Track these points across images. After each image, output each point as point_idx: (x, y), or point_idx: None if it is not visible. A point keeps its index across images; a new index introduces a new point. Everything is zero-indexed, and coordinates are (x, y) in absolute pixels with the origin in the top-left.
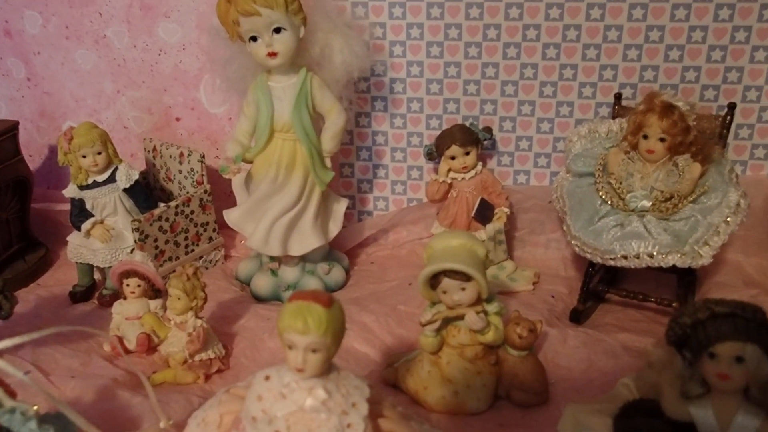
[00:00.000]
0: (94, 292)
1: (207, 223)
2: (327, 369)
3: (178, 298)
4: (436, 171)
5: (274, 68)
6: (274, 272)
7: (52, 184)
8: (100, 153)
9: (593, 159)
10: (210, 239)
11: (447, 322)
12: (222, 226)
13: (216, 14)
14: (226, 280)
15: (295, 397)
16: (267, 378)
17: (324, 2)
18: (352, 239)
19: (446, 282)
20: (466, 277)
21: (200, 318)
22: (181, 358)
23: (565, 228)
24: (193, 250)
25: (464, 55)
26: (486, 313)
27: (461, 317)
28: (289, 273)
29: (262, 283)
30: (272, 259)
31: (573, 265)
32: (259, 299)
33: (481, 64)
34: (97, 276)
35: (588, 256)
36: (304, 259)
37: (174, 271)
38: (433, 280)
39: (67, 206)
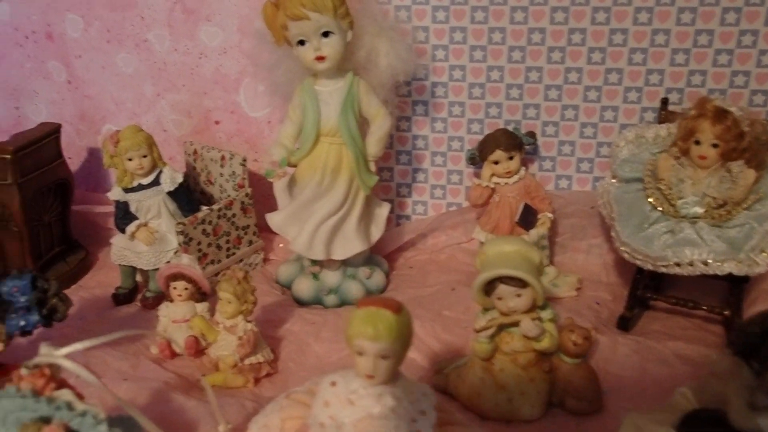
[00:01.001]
0: (136, 294)
1: (248, 226)
2: (394, 376)
3: (229, 302)
4: (476, 176)
5: (320, 72)
6: (315, 276)
7: (90, 187)
8: (145, 156)
9: (641, 164)
10: (250, 242)
11: (500, 328)
12: (261, 229)
13: (262, 18)
14: (267, 283)
15: (363, 403)
16: (333, 384)
17: (370, 6)
18: (391, 243)
19: (502, 288)
20: (522, 284)
21: (250, 322)
22: (232, 362)
23: (613, 234)
24: (234, 253)
25: (508, 59)
26: (540, 319)
27: (516, 324)
28: (331, 277)
29: (304, 287)
30: (314, 262)
31: (615, 271)
32: (300, 303)
33: (525, 68)
34: (138, 278)
35: (638, 262)
36: (345, 263)
37: (216, 275)
38: (488, 287)
39: (106, 209)
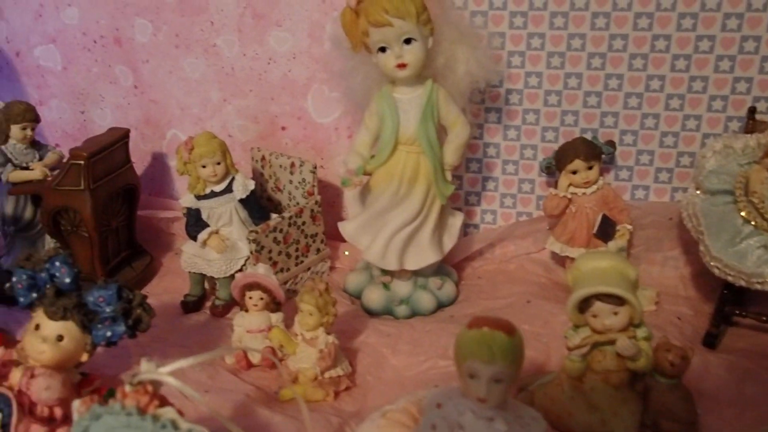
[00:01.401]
0: (204, 301)
1: (316, 234)
2: (505, 399)
3: (310, 314)
4: (549, 185)
5: (399, 80)
6: (386, 286)
7: (153, 192)
8: (219, 163)
9: (729, 176)
10: (318, 250)
11: (593, 346)
12: (326, 236)
13: (340, 24)
14: (336, 292)
15: (474, 427)
16: (439, 406)
17: (450, 12)
18: (459, 253)
19: (598, 306)
20: (619, 301)
21: (330, 334)
22: (312, 375)
23: (702, 248)
24: (302, 261)
25: (587, 66)
26: (635, 338)
27: (610, 342)
28: (402, 287)
29: (375, 297)
30: (384, 272)
31: (693, 285)
32: (370, 313)
33: (604, 75)
34: (205, 285)
35: (730, 279)
36: (416, 273)
37: (285, 283)
38: (582, 303)
39: (169, 214)
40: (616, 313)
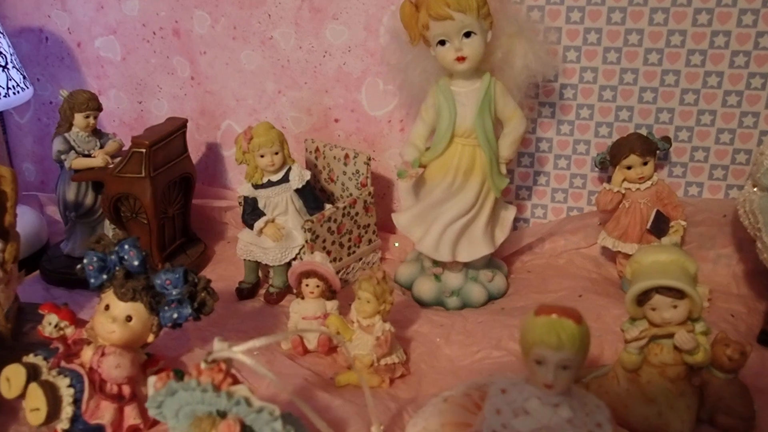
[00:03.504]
0: (258, 288)
1: (368, 225)
2: (570, 386)
3: (368, 301)
4: (601, 180)
5: (457, 73)
6: (437, 277)
7: (206, 181)
8: (277, 153)
9: None
10: (369, 241)
11: (649, 339)
12: (377, 228)
13: (399, 17)
14: None
15: (539, 413)
16: (503, 391)
17: (509, 6)
18: (509, 246)
19: (657, 299)
20: (679, 295)
21: (386, 322)
22: (369, 362)
23: (759, 246)
24: (354, 252)
25: (643, 62)
26: (693, 332)
27: (668, 336)
28: (453, 279)
29: (426, 288)
30: (436, 264)
31: (746, 283)
32: (421, 304)
33: (661, 71)
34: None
35: None
36: (467, 265)
37: (337, 272)
38: (641, 296)
39: (222, 203)
40: (675, 307)
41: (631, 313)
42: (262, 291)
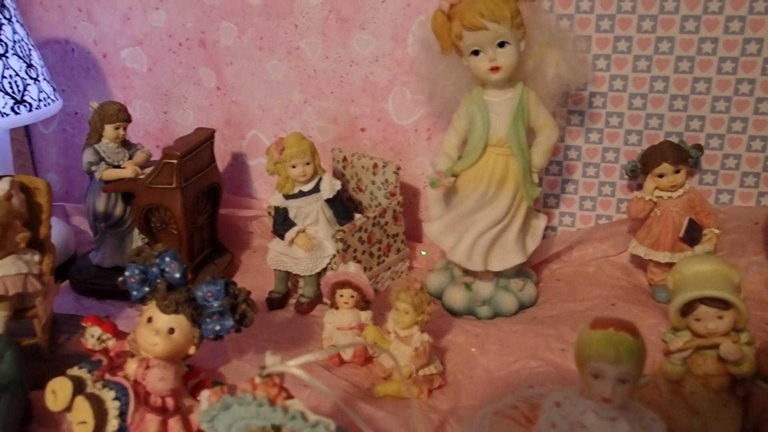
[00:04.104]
0: (288, 298)
1: (397, 234)
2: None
3: (406, 312)
4: (630, 188)
5: (492, 83)
6: (468, 286)
7: (231, 191)
8: (308, 163)
9: None
10: (398, 250)
11: (694, 350)
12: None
13: (431, 27)
14: None
15: (596, 427)
16: (558, 405)
17: (541, 15)
18: (538, 255)
19: (702, 309)
20: (724, 305)
21: (423, 332)
22: (407, 372)
23: None
24: (383, 261)
25: (674, 70)
26: (738, 342)
27: (713, 346)
28: (484, 288)
29: (457, 297)
30: (466, 273)
31: None
32: (452, 313)
33: (692, 78)
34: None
35: None
36: (498, 274)
37: (369, 280)
38: (685, 306)
39: (248, 212)
40: (720, 317)
41: (675, 324)
42: (292, 301)
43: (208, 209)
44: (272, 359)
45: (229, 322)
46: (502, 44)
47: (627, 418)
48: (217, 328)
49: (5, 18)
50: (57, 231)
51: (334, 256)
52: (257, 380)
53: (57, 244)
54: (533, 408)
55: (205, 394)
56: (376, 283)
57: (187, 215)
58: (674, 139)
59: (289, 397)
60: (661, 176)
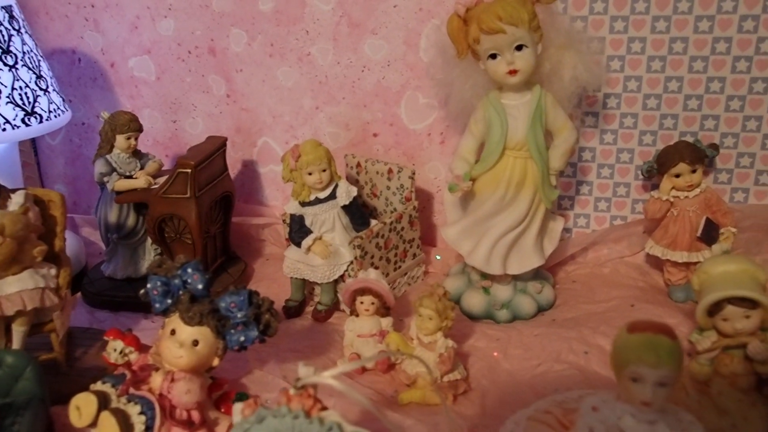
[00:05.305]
0: (305, 306)
1: (413, 239)
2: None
3: (430, 318)
4: (645, 189)
5: (509, 86)
6: (486, 290)
7: (242, 199)
8: (324, 170)
9: None
10: (414, 255)
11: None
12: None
13: (446, 31)
14: None
15: (635, 431)
16: (595, 409)
17: (558, 17)
18: (554, 257)
19: (730, 309)
20: (751, 305)
21: (447, 338)
22: (432, 379)
23: None
24: (400, 266)
25: (688, 70)
26: (766, 341)
27: (740, 346)
28: (502, 291)
29: (475, 301)
30: (484, 276)
31: None
32: (471, 317)
33: (706, 78)
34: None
35: None
36: (516, 277)
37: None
38: (712, 307)
39: (260, 220)
40: (747, 317)
41: (702, 324)
42: (309, 308)
43: (221, 218)
44: (305, 370)
45: (254, 333)
46: (519, 47)
47: (666, 421)
48: (242, 339)
49: (14, 29)
50: (68, 243)
51: (351, 263)
52: (292, 392)
53: (69, 256)
54: (567, 413)
55: (238, 407)
56: (393, 289)
57: (202, 224)
58: (689, 139)
59: (324, 408)
60: (677, 176)
